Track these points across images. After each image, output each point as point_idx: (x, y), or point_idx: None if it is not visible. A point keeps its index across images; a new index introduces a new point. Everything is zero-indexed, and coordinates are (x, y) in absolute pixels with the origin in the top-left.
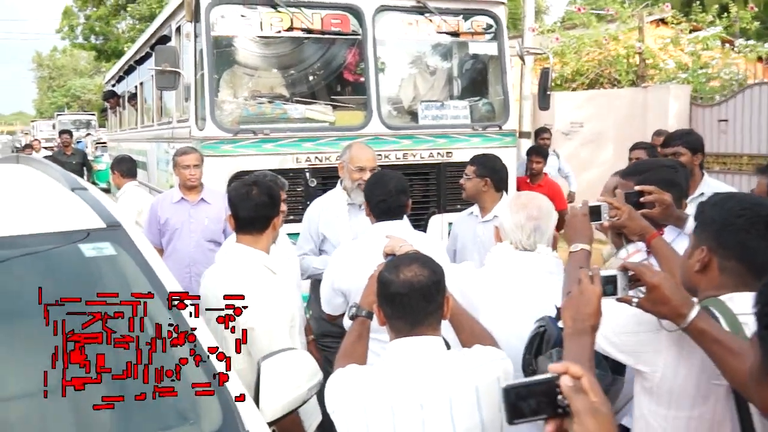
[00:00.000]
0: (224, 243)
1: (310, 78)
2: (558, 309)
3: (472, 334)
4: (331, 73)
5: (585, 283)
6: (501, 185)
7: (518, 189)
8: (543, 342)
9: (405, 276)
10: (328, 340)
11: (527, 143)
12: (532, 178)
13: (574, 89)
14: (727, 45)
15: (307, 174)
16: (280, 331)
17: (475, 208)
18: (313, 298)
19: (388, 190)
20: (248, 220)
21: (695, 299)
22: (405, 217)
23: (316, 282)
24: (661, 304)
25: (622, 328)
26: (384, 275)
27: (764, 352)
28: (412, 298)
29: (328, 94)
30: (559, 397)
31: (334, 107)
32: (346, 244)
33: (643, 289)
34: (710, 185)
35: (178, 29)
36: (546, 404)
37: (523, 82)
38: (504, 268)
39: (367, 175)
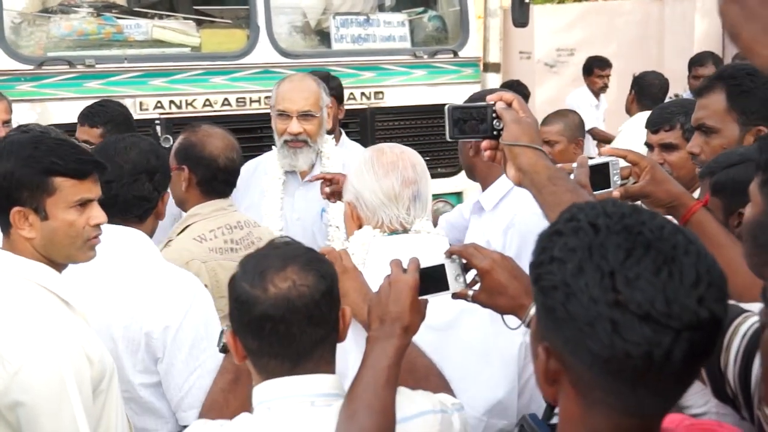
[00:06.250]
0: None
1: None
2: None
3: (410, 370)
4: None
5: (395, 273)
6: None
7: None
8: None
9: (278, 289)
10: None
11: (495, 79)
12: None
13: (561, 1)
14: None
15: (158, 128)
16: (77, 406)
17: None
18: None
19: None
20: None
21: None
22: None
23: None
24: (498, 295)
25: None
26: (242, 288)
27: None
28: (292, 324)
29: (189, 1)
30: (495, 122)
31: (199, 23)
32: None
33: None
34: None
35: None
36: (483, 127)
37: None
38: (381, 268)
39: (295, 126)
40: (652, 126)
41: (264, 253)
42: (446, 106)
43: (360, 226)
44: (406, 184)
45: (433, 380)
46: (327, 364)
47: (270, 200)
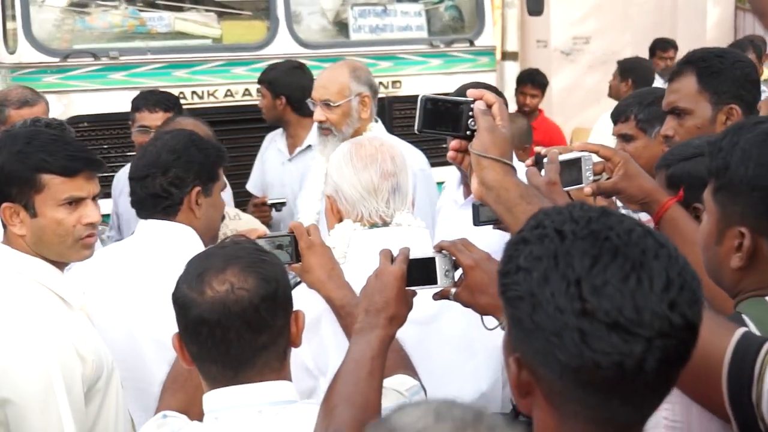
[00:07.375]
0: None
1: None
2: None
3: None
4: None
5: (382, 264)
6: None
7: None
8: None
9: (214, 292)
10: None
11: (513, 68)
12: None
13: None
14: None
15: None
16: (63, 405)
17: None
18: None
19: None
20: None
21: None
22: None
23: None
24: (479, 294)
25: None
26: (181, 290)
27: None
28: (229, 329)
29: None
30: (470, 121)
31: (220, 15)
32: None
33: None
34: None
35: None
36: (456, 124)
37: None
38: (362, 262)
39: (318, 114)
40: (613, 118)
41: (209, 252)
42: (419, 96)
43: (340, 220)
44: (385, 177)
45: (392, 357)
46: (272, 372)
47: (312, 183)
